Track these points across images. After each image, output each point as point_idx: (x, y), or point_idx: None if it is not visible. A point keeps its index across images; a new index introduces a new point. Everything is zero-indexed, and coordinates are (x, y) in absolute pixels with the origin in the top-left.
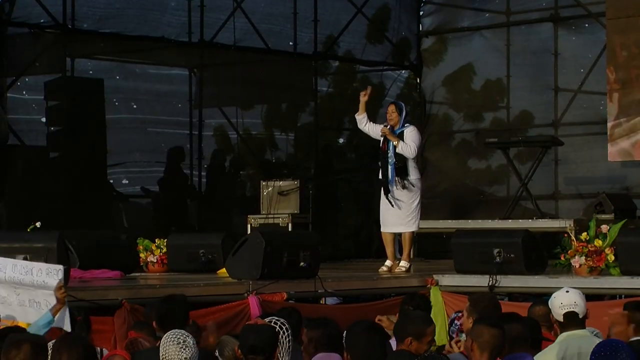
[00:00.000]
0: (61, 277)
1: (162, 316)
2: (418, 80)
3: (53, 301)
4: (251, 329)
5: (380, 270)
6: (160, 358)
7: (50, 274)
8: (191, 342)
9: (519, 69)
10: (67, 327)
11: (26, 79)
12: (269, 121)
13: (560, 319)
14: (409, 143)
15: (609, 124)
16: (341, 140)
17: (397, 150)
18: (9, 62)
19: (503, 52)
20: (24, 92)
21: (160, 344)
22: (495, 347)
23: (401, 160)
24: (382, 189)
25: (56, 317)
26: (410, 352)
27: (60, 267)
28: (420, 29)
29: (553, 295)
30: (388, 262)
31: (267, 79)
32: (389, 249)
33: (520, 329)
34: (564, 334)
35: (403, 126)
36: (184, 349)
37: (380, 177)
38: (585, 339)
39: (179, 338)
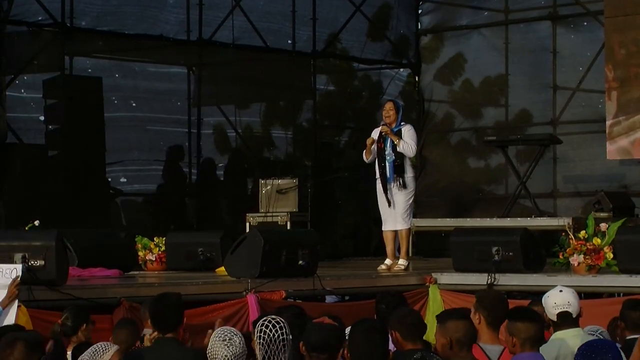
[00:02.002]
0: (18, 274)
1: (156, 315)
2: (417, 79)
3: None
4: (316, 327)
5: (379, 268)
6: (207, 354)
7: (5, 273)
8: (237, 340)
9: (517, 67)
10: (12, 321)
11: (24, 77)
12: (268, 119)
13: (554, 318)
14: (408, 142)
15: (608, 122)
16: (342, 139)
17: (397, 149)
18: (7, 60)
19: (502, 51)
20: (22, 91)
21: (209, 338)
22: (471, 339)
23: (399, 158)
24: (380, 187)
25: (5, 310)
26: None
27: (18, 266)
28: (419, 27)
29: (546, 294)
30: (387, 261)
31: (266, 78)
32: (388, 247)
33: (534, 328)
34: (558, 333)
35: (400, 124)
36: (228, 346)
37: (377, 175)
38: (579, 338)
39: (225, 335)
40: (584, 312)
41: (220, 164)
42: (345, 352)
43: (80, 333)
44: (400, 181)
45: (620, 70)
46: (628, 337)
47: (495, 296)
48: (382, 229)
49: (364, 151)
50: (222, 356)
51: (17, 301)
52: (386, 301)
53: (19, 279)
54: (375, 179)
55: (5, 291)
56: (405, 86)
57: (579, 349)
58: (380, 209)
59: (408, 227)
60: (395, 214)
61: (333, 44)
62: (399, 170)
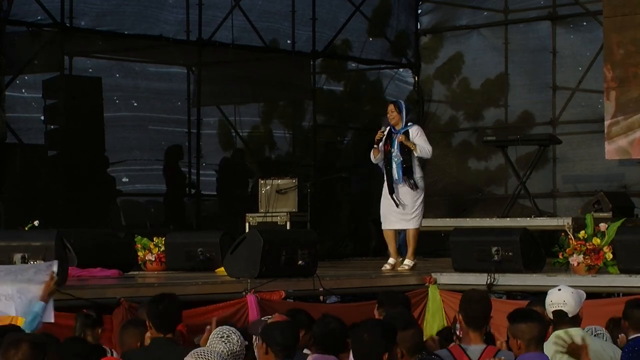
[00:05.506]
0: (54, 269)
1: (157, 316)
2: (416, 79)
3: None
4: (276, 326)
5: (383, 268)
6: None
7: (41, 270)
8: (235, 338)
9: (517, 68)
10: (51, 319)
11: (25, 77)
12: (267, 119)
13: (550, 316)
14: (422, 144)
15: (606, 122)
16: (342, 139)
17: (416, 155)
18: (7, 60)
19: (501, 51)
20: (23, 91)
21: (209, 338)
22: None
23: (408, 160)
24: (386, 188)
25: (48, 305)
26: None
27: (54, 261)
28: (419, 27)
29: (548, 292)
30: (391, 260)
31: (266, 77)
32: (391, 247)
33: (537, 328)
34: (555, 332)
35: (406, 125)
36: (226, 343)
37: (385, 177)
38: (575, 339)
39: (224, 332)
40: (583, 312)
41: (220, 164)
42: (350, 352)
43: (90, 333)
44: (411, 182)
45: (618, 70)
46: (632, 337)
47: (471, 297)
48: (382, 228)
49: (372, 150)
50: (218, 352)
51: (52, 299)
52: (388, 302)
53: (55, 273)
54: (385, 180)
55: (42, 286)
56: (405, 86)
57: (626, 345)
58: (381, 208)
59: (416, 227)
60: (401, 213)
61: (333, 44)
62: (407, 172)
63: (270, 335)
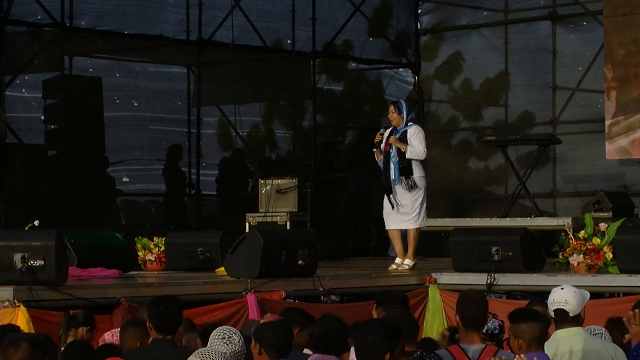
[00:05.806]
0: None
1: (158, 318)
2: (416, 79)
3: None
4: (268, 326)
5: (390, 268)
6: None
7: None
8: (237, 339)
9: (517, 67)
10: None
11: (25, 77)
12: (268, 119)
13: (552, 315)
14: (416, 145)
15: (607, 122)
16: (342, 139)
17: (407, 156)
18: (7, 60)
19: (501, 51)
20: (23, 90)
21: (210, 337)
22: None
23: (405, 160)
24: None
25: None
26: None
27: None
28: (419, 27)
29: (551, 290)
30: (398, 260)
31: (266, 77)
32: (397, 247)
33: (538, 328)
34: (559, 331)
35: (407, 125)
36: (227, 344)
37: (384, 176)
38: (576, 338)
39: (225, 333)
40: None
41: (220, 164)
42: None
43: (72, 334)
44: (408, 182)
45: (619, 70)
46: None
47: (467, 298)
48: (386, 228)
49: (375, 151)
50: (222, 352)
51: None
52: (386, 301)
53: None
54: (383, 180)
55: None
56: (405, 86)
57: (636, 344)
58: (384, 208)
59: (417, 227)
60: (401, 213)
61: (333, 44)
62: (405, 172)
63: (262, 335)
